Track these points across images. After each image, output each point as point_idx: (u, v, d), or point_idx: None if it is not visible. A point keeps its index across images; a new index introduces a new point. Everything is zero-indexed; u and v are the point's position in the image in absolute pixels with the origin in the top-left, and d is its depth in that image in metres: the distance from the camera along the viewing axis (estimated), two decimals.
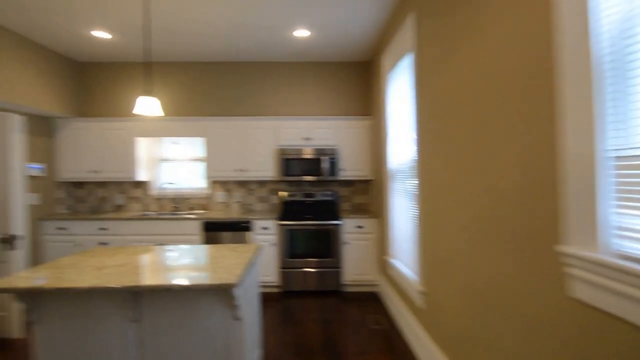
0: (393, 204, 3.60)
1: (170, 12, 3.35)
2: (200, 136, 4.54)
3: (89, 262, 2.16)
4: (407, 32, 2.92)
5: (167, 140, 4.95)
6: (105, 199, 4.85)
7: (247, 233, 4.19)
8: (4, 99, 3.54)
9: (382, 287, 4.05)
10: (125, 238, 4.20)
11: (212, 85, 4.77)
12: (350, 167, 4.51)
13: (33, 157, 4.22)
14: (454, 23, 2.01)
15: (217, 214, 4.40)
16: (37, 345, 1.96)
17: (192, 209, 4.84)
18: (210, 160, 4.51)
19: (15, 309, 3.21)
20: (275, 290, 4.26)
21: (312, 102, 4.79)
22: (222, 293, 1.85)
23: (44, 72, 4.09)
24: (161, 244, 4.17)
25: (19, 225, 3.19)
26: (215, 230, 4.20)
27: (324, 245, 4.17)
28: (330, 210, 4.61)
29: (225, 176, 4.50)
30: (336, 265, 4.17)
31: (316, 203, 4.68)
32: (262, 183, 4.83)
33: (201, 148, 4.94)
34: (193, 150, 4.97)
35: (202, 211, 4.75)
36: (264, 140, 4.49)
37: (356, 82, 4.80)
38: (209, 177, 4.51)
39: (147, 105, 2.46)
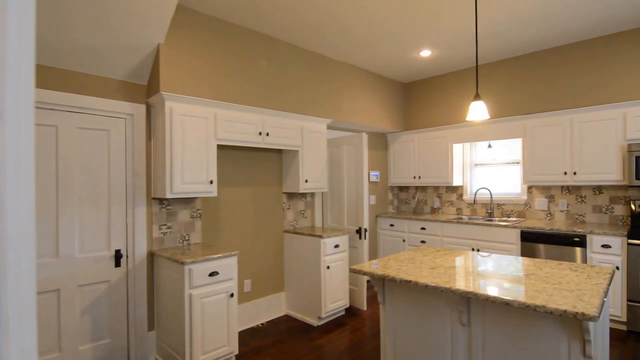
0: None
1: (497, 11, 3.45)
2: (517, 137, 4.38)
3: (423, 260, 2.58)
4: None
5: (480, 144, 5.07)
6: (423, 202, 5.59)
7: (578, 249, 3.65)
8: (358, 122, 4.86)
9: None
10: (441, 239, 4.67)
11: (532, 78, 4.49)
12: None
13: (372, 166, 5.49)
14: None
15: (537, 224, 4.09)
16: (383, 322, 2.54)
17: (506, 215, 4.73)
18: (528, 162, 4.25)
19: (364, 286, 4.26)
20: (617, 327, 3.51)
21: None
22: (569, 321, 1.71)
23: (380, 97, 5.24)
24: (475, 249, 4.33)
25: (365, 220, 4.21)
26: (535, 242, 3.92)
27: None
28: None
29: (546, 180, 4.11)
30: None
31: None
32: (598, 189, 4.06)
33: (517, 150, 4.73)
34: (508, 153, 4.84)
35: (518, 219, 4.55)
36: (602, 135, 3.77)
37: None
38: (526, 181, 4.27)
39: (478, 110, 2.63)
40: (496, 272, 2.22)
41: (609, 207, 4.00)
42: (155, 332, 3.21)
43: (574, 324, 1.70)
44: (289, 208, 4.33)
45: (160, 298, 3.13)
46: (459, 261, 2.53)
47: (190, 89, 3.21)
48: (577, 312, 1.51)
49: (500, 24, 3.70)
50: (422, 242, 4.87)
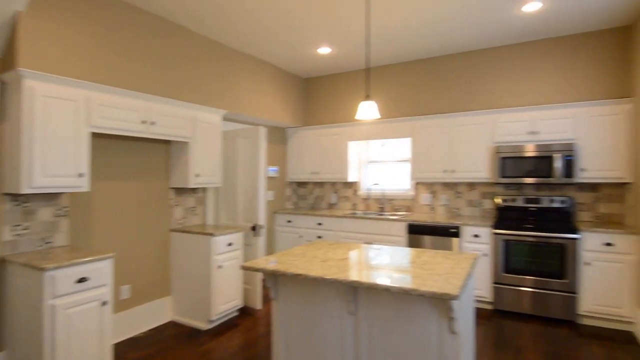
0: None
1: (388, 18, 3.68)
2: (407, 137, 4.77)
3: (315, 254, 2.65)
4: None
5: (374, 142, 5.41)
6: (321, 197, 5.76)
7: (454, 239, 4.13)
8: (256, 115, 4.77)
9: None
10: (337, 234, 4.87)
11: (421, 83, 4.93)
12: (596, 167, 3.77)
13: (271, 161, 5.46)
14: None
15: (422, 217, 4.51)
16: (275, 317, 2.55)
17: (396, 210, 5.13)
18: (416, 161, 4.67)
19: (258, 285, 4.22)
20: (485, 306, 4.06)
21: (541, 88, 4.24)
22: (438, 302, 1.92)
23: (279, 91, 5.24)
24: (368, 242, 4.62)
25: (261, 216, 4.17)
26: (420, 234, 4.33)
27: (553, 263, 3.67)
28: (563, 220, 4.01)
29: (430, 177, 4.57)
30: (569, 290, 3.60)
31: (542, 210, 4.14)
32: (472, 185, 4.65)
33: (407, 149, 5.16)
34: (399, 151, 5.25)
35: (406, 213, 4.97)
36: (476, 138, 4.31)
37: (606, 55, 3.95)
38: (413, 178, 4.69)
39: (367, 110, 2.79)
40: (382, 262, 2.37)
41: (480, 202, 4.61)
42: (6, 353, 2.76)
43: (442, 304, 1.92)
44: (177, 204, 4.06)
45: (13, 312, 2.69)
46: (349, 254, 2.64)
47: (57, 66, 2.81)
48: (442, 293, 1.71)
49: (392, 31, 3.96)
50: (319, 237, 5.02)
